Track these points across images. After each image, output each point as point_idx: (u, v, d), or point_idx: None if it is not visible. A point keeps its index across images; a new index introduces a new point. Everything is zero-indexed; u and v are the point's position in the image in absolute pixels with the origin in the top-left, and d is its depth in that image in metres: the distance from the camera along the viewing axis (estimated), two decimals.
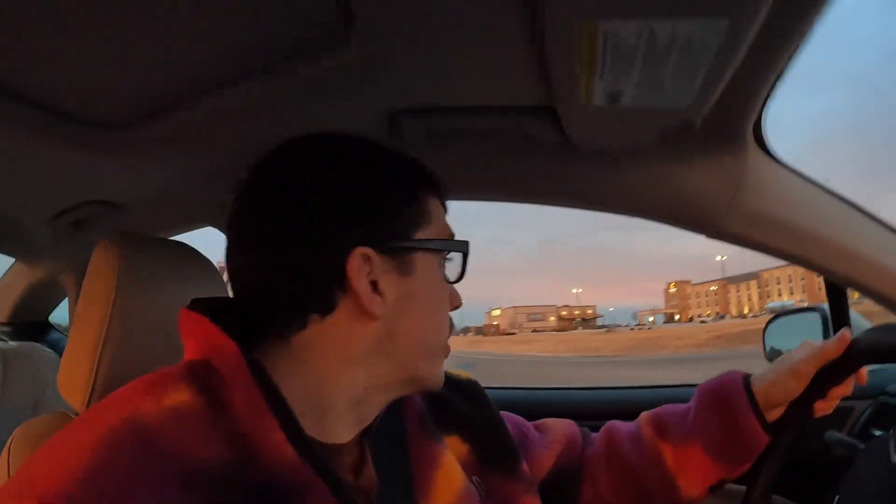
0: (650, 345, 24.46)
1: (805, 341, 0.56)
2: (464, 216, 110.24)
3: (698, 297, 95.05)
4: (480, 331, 79.11)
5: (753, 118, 0.59)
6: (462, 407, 0.53)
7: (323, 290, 0.38)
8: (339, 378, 0.39)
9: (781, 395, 0.54)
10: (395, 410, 0.47)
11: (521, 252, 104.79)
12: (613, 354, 21.35)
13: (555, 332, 66.94)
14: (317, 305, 0.38)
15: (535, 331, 72.91)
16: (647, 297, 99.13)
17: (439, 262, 0.43)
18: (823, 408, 0.55)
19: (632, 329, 59.13)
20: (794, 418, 0.55)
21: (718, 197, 0.66)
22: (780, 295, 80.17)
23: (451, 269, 0.44)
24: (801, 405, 0.54)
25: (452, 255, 0.44)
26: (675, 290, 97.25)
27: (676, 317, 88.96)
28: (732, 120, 0.59)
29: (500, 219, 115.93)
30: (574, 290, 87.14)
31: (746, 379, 0.56)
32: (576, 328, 78.37)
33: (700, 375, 0.84)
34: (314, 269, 0.38)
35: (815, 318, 1.17)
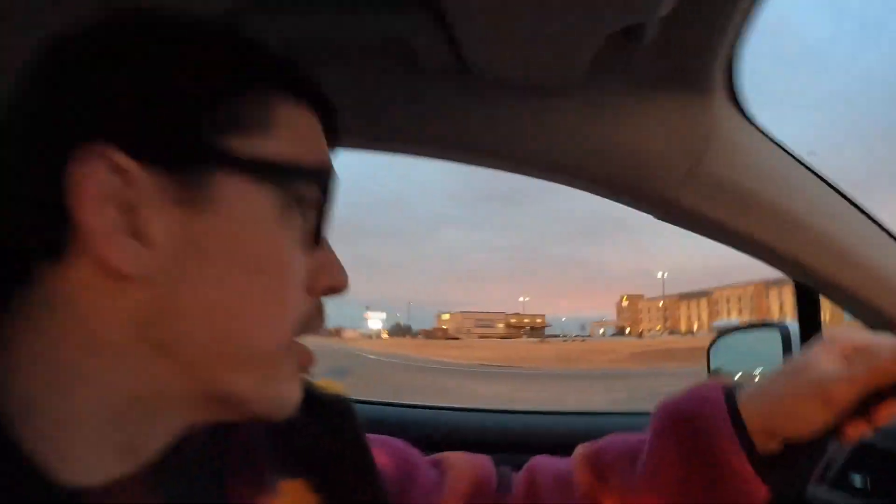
0: (575, 357, 23.33)
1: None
2: (433, 215, 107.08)
3: (649, 312, 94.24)
4: (430, 334, 75.56)
5: (725, 56, 0.48)
6: (315, 438, 0.36)
7: (38, 221, 0.24)
8: (85, 374, 0.24)
9: (792, 424, 0.36)
10: (206, 440, 0.30)
11: (492, 257, 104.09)
12: (518, 365, 20.12)
13: (502, 340, 64.43)
14: (40, 249, 0.24)
15: (481, 337, 69.52)
16: (611, 308, 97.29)
17: (274, 199, 0.26)
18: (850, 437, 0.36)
19: (569, 340, 56.43)
20: (814, 460, 0.39)
21: (675, 159, 0.52)
22: (728, 314, 79.99)
23: (307, 222, 0.28)
24: (819, 446, 0.38)
25: (307, 192, 0.28)
26: (627, 303, 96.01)
27: (627, 330, 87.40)
28: (698, 53, 0.48)
29: (474, 221, 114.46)
30: (521, 299, 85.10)
31: (730, 395, 0.38)
32: (523, 336, 75.80)
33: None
34: (23, 182, 0.24)
35: (773, 336, 1.09)
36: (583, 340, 57.99)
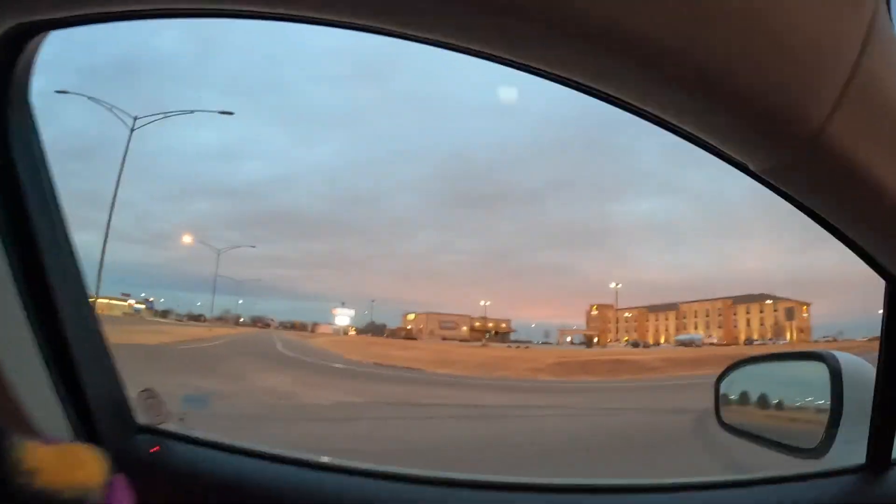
0: (498, 364, 22.71)
1: None
2: (407, 221, 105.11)
3: (618, 323, 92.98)
4: (392, 333, 73.36)
5: None
6: None
7: None
8: None
9: None
10: None
11: (468, 261, 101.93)
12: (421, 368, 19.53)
13: (464, 342, 62.50)
14: None
15: (444, 339, 67.02)
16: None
17: None
18: None
19: (521, 346, 54.45)
20: None
21: (826, 75, 0.40)
22: (695, 328, 79.28)
23: None
24: None
25: None
26: (596, 312, 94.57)
27: (595, 339, 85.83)
28: None
29: (448, 225, 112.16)
30: (482, 303, 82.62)
31: None
32: (484, 340, 73.83)
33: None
34: None
35: (818, 370, 1.04)
36: (526, 348, 56.68)
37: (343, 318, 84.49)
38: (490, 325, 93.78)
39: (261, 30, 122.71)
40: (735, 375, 1.30)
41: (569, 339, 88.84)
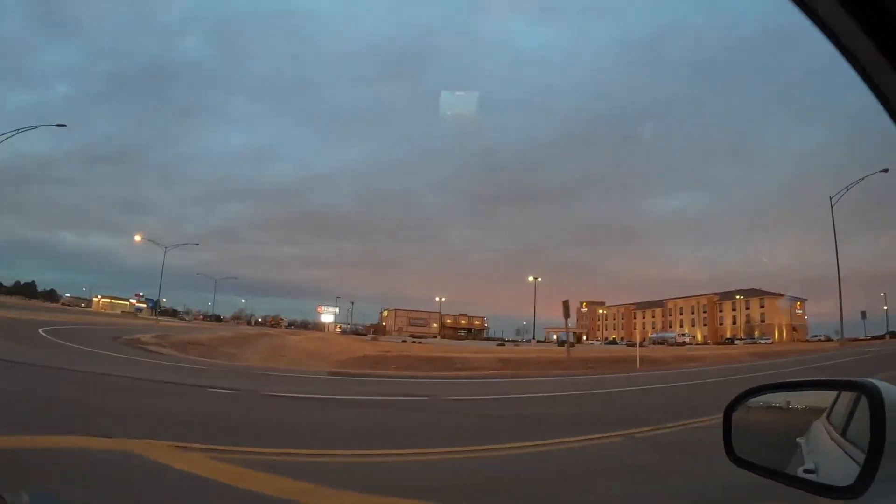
0: (317, 354, 22.49)
1: None
2: (438, 220, 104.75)
3: (607, 320, 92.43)
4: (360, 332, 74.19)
5: None
6: None
7: None
8: None
9: None
10: None
11: (498, 259, 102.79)
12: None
13: (434, 339, 63.09)
14: None
15: (412, 335, 70.33)
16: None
17: None
18: None
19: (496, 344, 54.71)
20: None
21: None
22: (681, 325, 78.45)
23: None
24: None
25: None
26: (586, 309, 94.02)
27: (584, 337, 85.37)
28: None
29: (479, 224, 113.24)
30: (437, 298, 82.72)
31: None
32: (462, 337, 73.83)
33: None
34: None
35: (857, 402, 0.99)
36: (515, 344, 56.61)
37: (328, 315, 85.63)
38: (463, 321, 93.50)
39: (285, 32, 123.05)
40: (752, 403, 1.19)
41: (555, 336, 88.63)
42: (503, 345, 57.09)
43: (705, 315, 77.29)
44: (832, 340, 55.87)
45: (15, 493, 1.51)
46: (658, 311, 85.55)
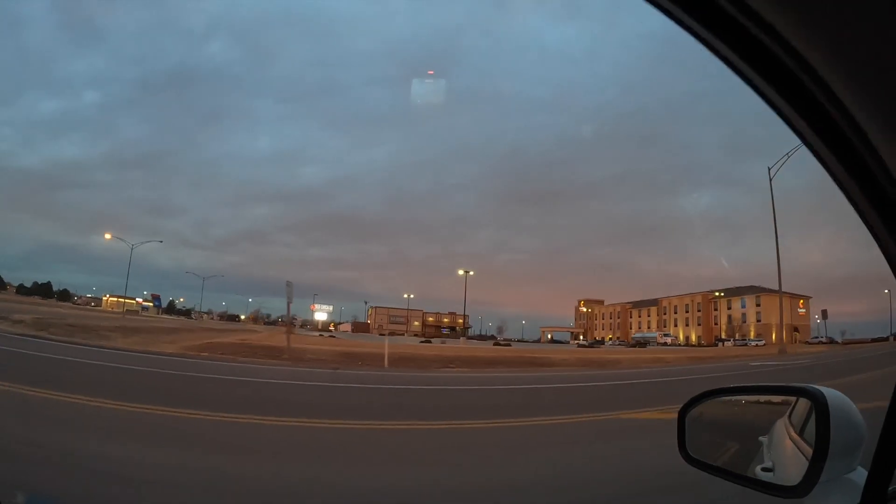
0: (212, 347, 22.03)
1: None
2: (466, 220, 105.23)
3: (603, 319, 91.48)
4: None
5: None
6: None
7: None
8: None
9: None
10: None
11: (525, 260, 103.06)
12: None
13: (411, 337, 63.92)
14: None
15: (391, 333, 71.56)
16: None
17: None
18: None
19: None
20: None
21: None
22: (675, 325, 77.17)
23: None
24: None
25: None
26: (585, 309, 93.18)
27: (581, 336, 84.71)
28: None
29: (507, 223, 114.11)
30: (405, 295, 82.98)
31: None
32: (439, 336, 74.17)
33: None
34: None
35: (799, 405, 1.06)
36: (497, 343, 56.50)
37: (321, 314, 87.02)
38: (445, 319, 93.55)
39: (310, 34, 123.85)
40: (705, 406, 1.23)
41: (549, 336, 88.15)
42: (438, 341, 56.71)
43: (699, 314, 75.57)
44: (834, 343, 54.36)
45: (10, 493, 1.48)
46: (653, 309, 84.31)
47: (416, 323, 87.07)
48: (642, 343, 64.51)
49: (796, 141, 0.86)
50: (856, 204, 0.83)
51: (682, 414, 1.23)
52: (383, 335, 60.94)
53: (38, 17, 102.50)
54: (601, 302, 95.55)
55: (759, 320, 68.93)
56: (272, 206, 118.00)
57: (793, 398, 1.14)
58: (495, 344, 54.13)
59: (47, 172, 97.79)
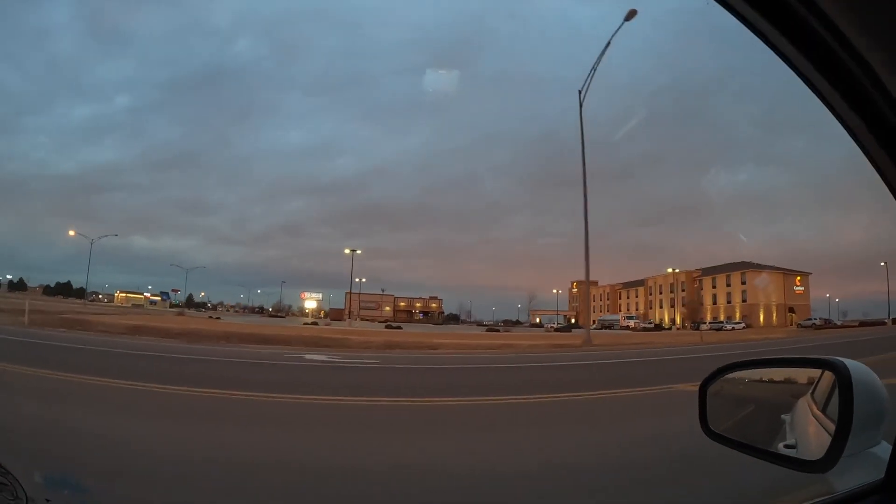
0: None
1: None
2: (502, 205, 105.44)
3: (595, 301, 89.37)
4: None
5: None
6: None
7: None
8: None
9: None
10: None
11: (563, 244, 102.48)
12: None
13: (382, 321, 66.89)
14: None
15: (362, 318, 72.85)
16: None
17: None
18: None
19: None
20: None
21: None
22: (661, 306, 74.59)
23: None
24: None
25: None
26: (577, 290, 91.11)
27: (573, 320, 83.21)
28: None
29: (543, 207, 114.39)
30: (357, 280, 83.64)
31: None
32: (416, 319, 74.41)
33: None
34: None
35: (824, 378, 1.03)
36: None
37: (311, 302, 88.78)
38: (417, 304, 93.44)
39: (336, 25, 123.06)
40: (725, 380, 1.22)
41: (537, 319, 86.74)
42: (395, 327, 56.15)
43: (683, 293, 72.40)
44: (833, 326, 51.18)
45: (27, 471, 1.48)
46: (641, 289, 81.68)
47: (388, 308, 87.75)
48: (607, 325, 62.74)
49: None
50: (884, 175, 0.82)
51: (703, 388, 1.22)
52: (355, 320, 61.89)
53: (65, 25, 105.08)
54: (595, 283, 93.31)
55: (744, 300, 65.80)
56: (307, 199, 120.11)
57: (816, 375, 1.13)
58: (492, 330, 53.16)
59: (83, 177, 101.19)
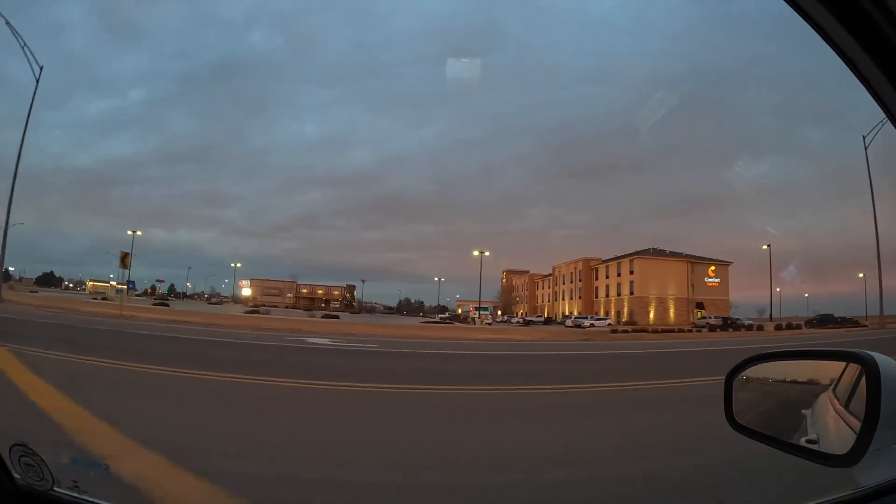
0: None
1: None
2: (518, 197, 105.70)
3: (516, 292, 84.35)
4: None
5: None
6: None
7: None
8: None
9: None
10: None
11: (579, 235, 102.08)
12: None
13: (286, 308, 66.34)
14: None
15: (263, 304, 71.73)
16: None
17: None
18: None
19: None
20: None
21: None
22: (563, 298, 69.16)
23: None
24: None
25: None
26: (507, 282, 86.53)
27: (499, 312, 79.23)
28: None
29: (559, 199, 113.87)
30: (232, 264, 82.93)
31: None
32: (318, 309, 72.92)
33: None
34: None
35: (861, 376, 1.00)
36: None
37: (248, 290, 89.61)
38: (320, 291, 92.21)
39: (349, 16, 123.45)
40: (750, 372, 1.27)
41: (458, 311, 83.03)
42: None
43: (580, 284, 66.29)
44: (742, 327, 44.49)
45: (55, 452, 1.53)
46: (548, 280, 75.88)
47: (290, 295, 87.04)
48: (457, 319, 58.43)
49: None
50: None
51: (729, 380, 1.26)
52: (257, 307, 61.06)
53: (79, 21, 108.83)
54: (527, 272, 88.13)
55: (631, 293, 57.40)
56: (323, 191, 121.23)
57: (837, 372, 1.13)
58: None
59: (100, 171, 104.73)
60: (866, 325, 42.17)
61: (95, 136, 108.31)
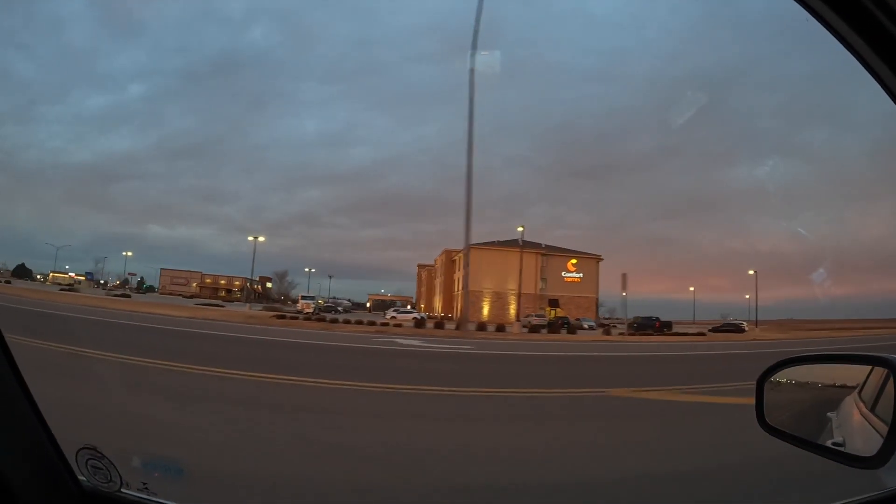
0: None
1: None
2: (518, 197, 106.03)
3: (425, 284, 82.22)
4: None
5: None
6: None
7: None
8: None
9: None
10: None
11: (580, 236, 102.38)
12: None
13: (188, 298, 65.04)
14: None
15: (171, 293, 71.92)
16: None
17: None
18: None
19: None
20: None
21: None
22: (438, 292, 66.20)
23: None
24: None
25: None
26: (420, 273, 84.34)
27: (409, 306, 77.62)
28: None
29: (559, 199, 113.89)
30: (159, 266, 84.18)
31: None
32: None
33: None
34: None
35: (887, 379, 0.99)
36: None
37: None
38: (222, 281, 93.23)
39: (349, 13, 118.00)
40: (781, 375, 1.25)
41: (368, 304, 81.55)
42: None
43: (443, 279, 63.05)
44: (575, 328, 41.11)
45: (125, 454, 1.48)
46: (436, 270, 73.12)
47: (195, 284, 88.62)
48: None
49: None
50: None
51: (761, 382, 1.25)
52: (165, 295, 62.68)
53: (78, 15, 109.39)
54: (432, 266, 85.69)
55: (466, 286, 51.85)
56: (323, 189, 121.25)
57: (863, 375, 1.15)
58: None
59: (99, 166, 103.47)
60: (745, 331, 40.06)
61: (95, 131, 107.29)
